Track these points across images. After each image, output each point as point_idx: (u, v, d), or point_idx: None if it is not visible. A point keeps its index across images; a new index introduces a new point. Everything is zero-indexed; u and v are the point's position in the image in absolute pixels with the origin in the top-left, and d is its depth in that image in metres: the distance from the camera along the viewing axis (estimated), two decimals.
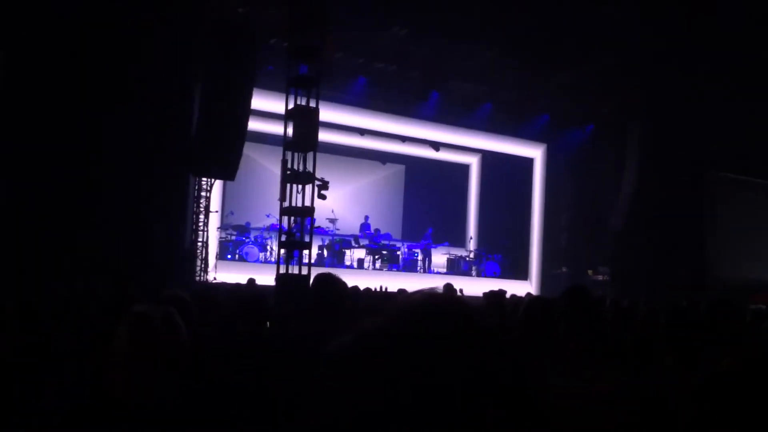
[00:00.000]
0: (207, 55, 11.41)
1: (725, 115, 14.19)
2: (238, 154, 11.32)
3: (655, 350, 2.81)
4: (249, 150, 12.49)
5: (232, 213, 14.78)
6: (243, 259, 14.27)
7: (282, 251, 9.84)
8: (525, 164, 18.33)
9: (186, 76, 11.79)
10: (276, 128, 12.11)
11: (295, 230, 9.77)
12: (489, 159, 18.86)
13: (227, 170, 11.55)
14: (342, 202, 16.58)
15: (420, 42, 13.61)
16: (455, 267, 17.00)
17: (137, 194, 11.01)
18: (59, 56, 10.18)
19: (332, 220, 15.64)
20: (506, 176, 18.27)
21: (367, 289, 6.10)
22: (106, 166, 10.70)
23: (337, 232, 15.88)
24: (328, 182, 10.19)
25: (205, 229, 12.86)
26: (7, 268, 8.33)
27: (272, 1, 11.85)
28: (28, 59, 10.15)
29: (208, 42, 11.38)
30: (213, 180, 12.91)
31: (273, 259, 13.19)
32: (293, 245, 9.72)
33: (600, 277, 15.88)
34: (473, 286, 12.36)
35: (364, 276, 12.98)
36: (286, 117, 10.04)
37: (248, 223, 14.98)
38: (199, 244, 12.70)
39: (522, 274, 17.61)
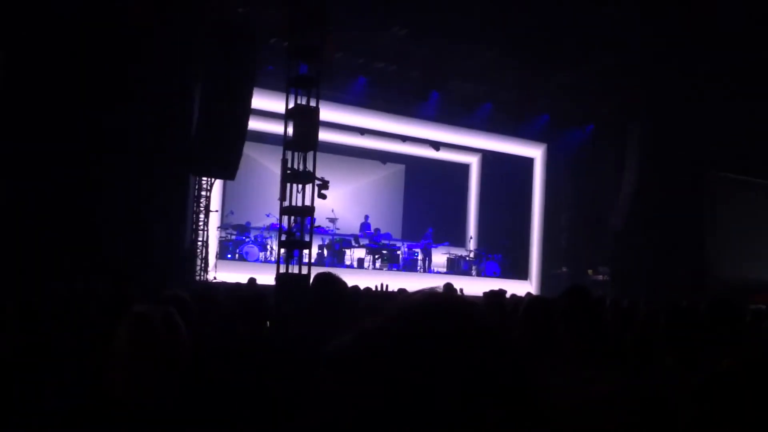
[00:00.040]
0: (207, 55, 11.41)
1: (725, 115, 14.19)
2: (238, 154, 11.32)
3: (655, 350, 2.81)
4: (249, 149, 12.48)
5: (232, 212, 14.78)
6: (243, 258, 14.27)
7: (282, 251, 9.84)
8: (525, 164, 18.34)
9: (186, 76, 11.79)
10: (276, 128, 12.11)
11: (295, 230, 9.77)
12: (489, 159, 18.87)
13: (227, 170, 11.55)
14: (342, 201, 16.58)
15: (420, 42, 13.61)
16: (455, 267, 17.00)
17: (137, 194, 11.01)
18: (59, 56, 10.17)
19: (332, 220, 15.64)
20: (506, 176, 18.28)
21: (367, 289, 6.09)
22: (106, 166, 10.70)
23: (337, 231, 15.88)
24: (328, 182, 10.19)
25: (205, 228, 12.86)
26: (7, 268, 8.33)
27: (272, 1, 11.85)
28: (28, 59, 10.14)
29: (208, 42, 11.38)
30: (213, 179, 12.91)
31: (273, 259, 13.19)
32: (293, 245, 9.72)
33: (600, 277, 15.88)
34: (473, 286, 12.35)
35: (364, 275, 12.96)
36: (286, 116, 10.03)
37: (248, 223, 14.99)
38: (199, 243, 12.70)
39: (522, 274, 17.62)
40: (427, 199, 18.64)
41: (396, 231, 18.24)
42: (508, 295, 7.21)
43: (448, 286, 6.30)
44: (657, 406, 1.56)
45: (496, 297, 6.40)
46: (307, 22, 9.85)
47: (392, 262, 16.04)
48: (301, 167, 9.82)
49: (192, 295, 3.16)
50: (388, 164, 19.08)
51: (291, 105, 9.92)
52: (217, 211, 13.76)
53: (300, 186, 9.79)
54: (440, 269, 16.90)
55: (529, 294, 9.53)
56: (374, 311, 0.77)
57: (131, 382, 1.73)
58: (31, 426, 1.95)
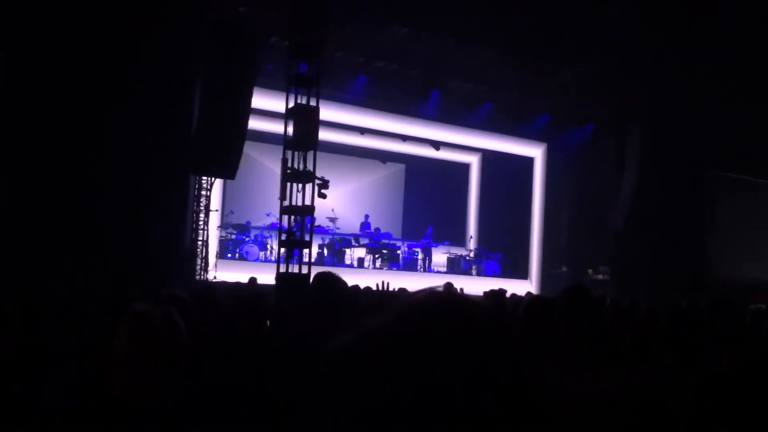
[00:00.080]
0: (207, 55, 11.41)
1: (725, 115, 14.19)
2: (238, 154, 11.32)
3: (655, 350, 2.81)
4: (249, 149, 12.49)
5: (232, 212, 14.79)
6: (243, 258, 14.27)
7: (282, 250, 9.84)
8: (525, 164, 18.34)
9: (186, 76, 11.79)
10: (276, 127, 12.11)
11: (295, 229, 9.78)
12: (489, 158, 18.87)
13: (227, 169, 11.55)
14: (342, 201, 16.58)
15: (420, 41, 13.62)
16: (455, 266, 17.01)
17: (137, 194, 11.01)
18: (59, 56, 10.17)
19: (332, 219, 15.64)
20: (506, 175, 18.28)
21: (368, 288, 6.09)
22: (106, 166, 10.70)
23: (337, 231, 15.88)
24: (328, 181, 10.19)
25: (206, 227, 12.86)
26: (7, 268, 8.33)
27: (272, 1, 11.85)
28: (28, 59, 10.14)
29: (208, 42, 11.38)
30: (213, 179, 12.92)
31: (273, 258, 13.19)
32: (293, 244, 9.72)
33: (600, 276, 15.88)
34: (473, 285, 12.37)
35: (364, 275, 12.96)
36: (287, 116, 10.04)
37: (248, 222, 14.99)
38: (200, 243, 12.70)
39: (522, 274, 17.62)
40: (428, 199, 18.65)
41: (396, 230, 18.24)
42: (508, 295, 7.21)
43: (448, 286, 6.30)
44: (657, 406, 1.56)
45: (496, 296, 6.40)
46: (307, 22, 9.85)
47: (392, 262, 16.04)
48: (301, 166, 9.82)
49: (192, 294, 3.15)
50: (389, 164, 19.08)
51: (291, 104, 9.92)
52: (217, 210, 13.77)
53: (300, 185, 9.79)
54: (440, 269, 16.90)
55: (529, 293, 9.53)
56: (374, 311, 0.77)
57: (131, 382, 1.73)
58: (31, 426, 1.95)
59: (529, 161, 18.36)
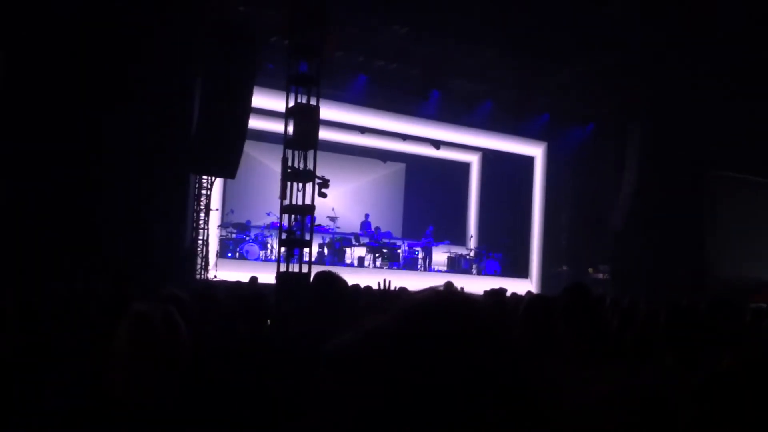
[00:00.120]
0: (207, 55, 11.41)
1: (725, 115, 14.18)
2: (238, 153, 11.33)
3: (655, 349, 2.81)
4: (249, 148, 12.49)
5: (232, 211, 14.79)
6: (243, 257, 14.28)
7: (282, 249, 9.84)
8: (525, 163, 18.35)
9: (186, 76, 11.79)
10: (276, 126, 12.11)
11: (295, 228, 9.78)
12: (489, 157, 18.86)
13: (227, 169, 11.55)
14: (342, 200, 16.57)
15: (420, 40, 13.61)
16: (456, 265, 17.01)
17: (137, 194, 11.01)
18: (59, 56, 10.17)
19: (333, 219, 15.63)
20: (507, 175, 18.28)
21: (368, 287, 6.09)
22: (106, 166, 10.70)
23: (337, 230, 15.88)
24: (328, 180, 10.20)
25: (206, 227, 12.87)
26: (7, 268, 8.33)
27: (272, 1, 11.85)
28: (28, 59, 10.14)
29: (208, 42, 11.38)
30: (213, 178, 12.92)
31: (273, 258, 13.19)
32: (294, 243, 9.72)
33: (600, 275, 15.89)
34: (474, 285, 12.35)
35: (364, 274, 12.96)
36: (287, 115, 10.04)
37: (249, 221, 14.99)
38: (200, 242, 12.70)
39: (522, 273, 17.63)
40: (428, 198, 18.65)
41: (396, 229, 18.24)
42: (508, 294, 7.22)
43: (449, 285, 6.29)
44: (657, 406, 1.56)
45: (496, 295, 6.40)
46: (307, 21, 9.85)
47: (393, 261, 16.04)
48: (302, 166, 9.83)
49: (192, 294, 3.15)
50: (389, 163, 19.08)
51: (291, 103, 9.92)
52: (217, 209, 13.77)
53: (300, 184, 9.79)
54: (441, 268, 16.90)
55: (529, 293, 9.52)
56: (375, 310, 0.77)
57: (131, 382, 1.73)
58: (31, 426, 1.94)
59: (529, 160, 18.36)
